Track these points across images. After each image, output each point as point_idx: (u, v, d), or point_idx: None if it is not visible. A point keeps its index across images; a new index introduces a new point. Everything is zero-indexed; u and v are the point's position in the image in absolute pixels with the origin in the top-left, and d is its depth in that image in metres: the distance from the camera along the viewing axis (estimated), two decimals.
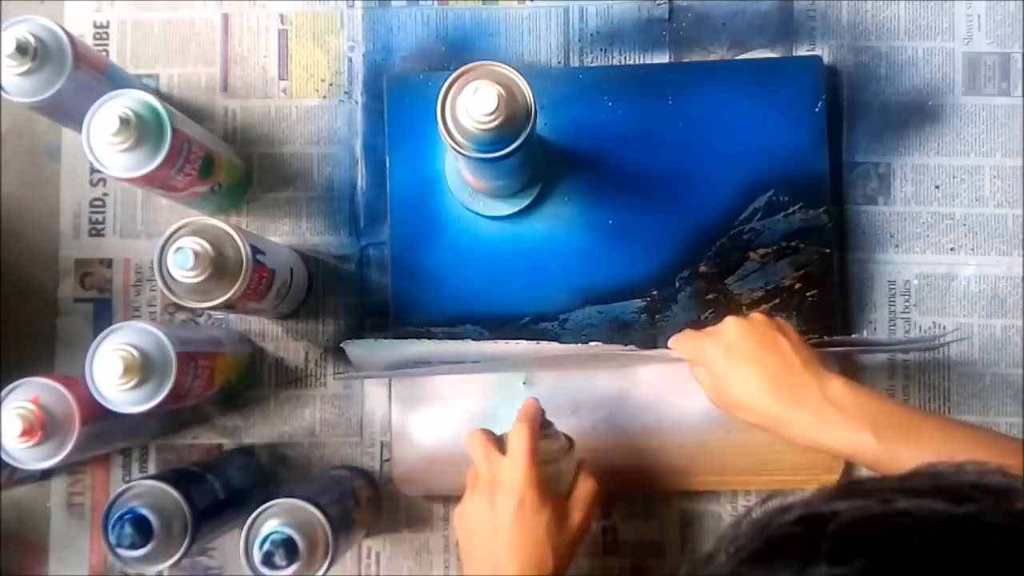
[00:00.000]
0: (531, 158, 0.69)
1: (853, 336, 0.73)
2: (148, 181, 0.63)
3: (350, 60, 0.78)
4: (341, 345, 0.71)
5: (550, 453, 0.62)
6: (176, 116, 0.62)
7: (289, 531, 0.58)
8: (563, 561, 0.58)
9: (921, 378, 0.75)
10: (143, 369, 0.60)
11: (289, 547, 0.58)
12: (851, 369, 0.74)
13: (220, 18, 0.78)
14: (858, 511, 0.30)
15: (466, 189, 0.72)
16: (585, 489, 0.62)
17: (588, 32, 0.77)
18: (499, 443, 0.61)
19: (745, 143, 0.73)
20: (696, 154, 0.73)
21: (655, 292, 0.73)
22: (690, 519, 0.75)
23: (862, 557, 0.28)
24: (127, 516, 0.59)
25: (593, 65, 0.77)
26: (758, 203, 0.73)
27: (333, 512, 0.61)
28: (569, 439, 0.64)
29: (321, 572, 0.60)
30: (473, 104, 0.56)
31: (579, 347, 0.69)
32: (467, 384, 0.74)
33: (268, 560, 0.58)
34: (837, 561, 0.28)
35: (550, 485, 0.60)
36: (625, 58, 0.77)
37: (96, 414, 0.62)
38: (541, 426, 0.61)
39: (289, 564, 0.58)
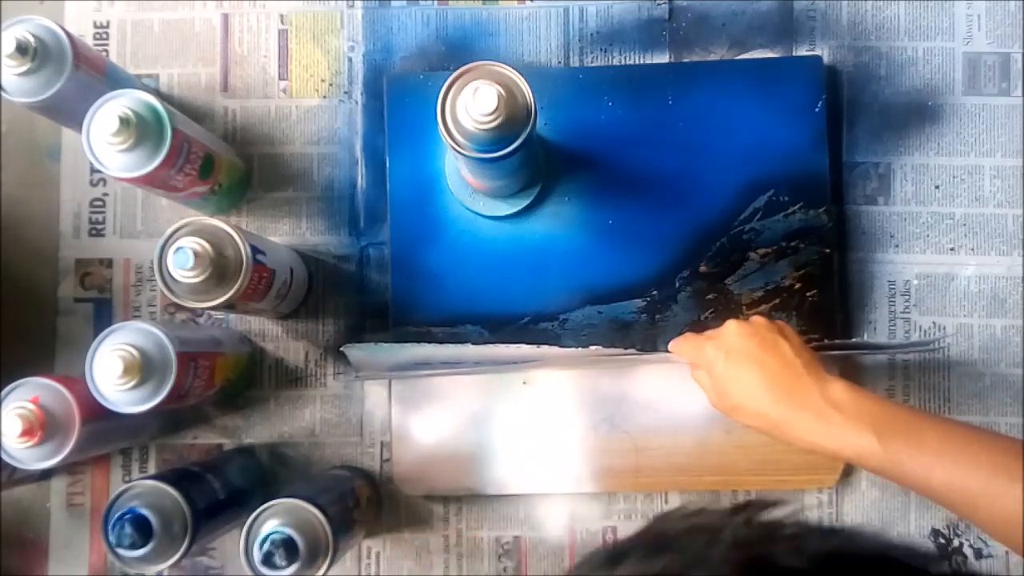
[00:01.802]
0: (531, 158, 0.69)
1: (854, 339, 0.73)
2: (148, 181, 0.63)
3: (350, 60, 0.78)
4: (341, 349, 0.71)
5: None
6: (176, 116, 0.62)
7: (289, 531, 0.58)
8: None
9: (921, 378, 0.75)
10: (143, 369, 0.60)
11: (289, 547, 0.58)
12: (851, 370, 0.74)
13: (220, 18, 0.78)
14: None
15: (466, 189, 0.72)
16: None
17: (588, 32, 0.77)
18: None
19: (745, 143, 0.73)
20: (696, 154, 0.73)
21: (655, 292, 0.73)
22: None
23: None
24: (127, 516, 0.59)
25: (593, 65, 0.77)
26: (758, 203, 0.73)
27: (333, 512, 0.61)
28: None
29: (321, 572, 0.60)
30: (473, 104, 0.56)
31: (579, 351, 0.69)
32: (467, 384, 0.74)
33: (268, 560, 0.58)
34: None
35: None
36: (625, 58, 0.77)
37: (96, 414, 0.62)
38: None
39: (289, 564, 0.58)
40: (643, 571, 0.31)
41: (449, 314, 0.73)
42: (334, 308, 0.77)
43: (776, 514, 0.32)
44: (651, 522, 0.34)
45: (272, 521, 0.60)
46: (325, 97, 0.78)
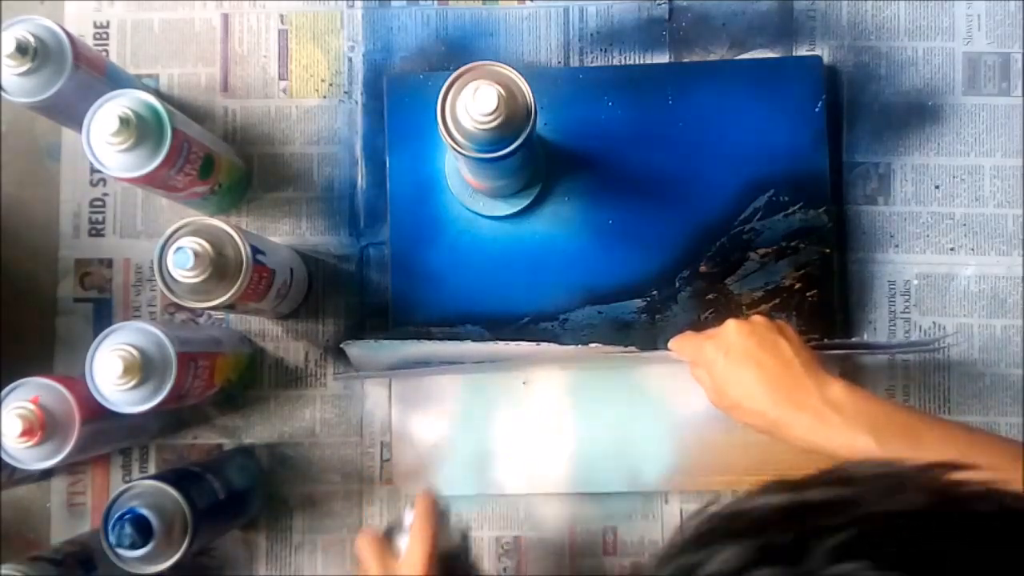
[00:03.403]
0: (531, 158, 0.69)
1: (854, 339, 0.73)
2: (148, 181, 0.63)
3: (350, 60, 0.78)
4: (341, 346, 0.71)
5: (447, 548, 0.60)
6: (176, 116, 0.62)
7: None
8: None
9: (921, 378, 0.75)
10: (143, 369, 0.60)
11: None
12: (851, 369, 0.74)
13: (220, 18, 0.78)
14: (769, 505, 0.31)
15: (466, 189, 0.72)
16: None
17: (588, 32, 0.77)
18: (389, 544, 0.59)
19: (745, 143, 0.73)
20: (696, 154, 0.73)
21: (655, 292, 0.73)
22: None
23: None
24: (127, 516, 0.59)
25: (593, 65, 0.77)
26: (758, 203, 0.73)
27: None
28: (464, 533, 0.63)
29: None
30: (473, 104, 0.56)
31: (579, 348, 0.69)
32: (467, 384, 0.74)
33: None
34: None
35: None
36: (625, 58, 0.77)
37: (96, 414, 0.62)
38: (439, 517, 0.59)
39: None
40: (826, 496, 0.30)
41: (449, 314, 0.73)
42: (334, 308, 0.77)
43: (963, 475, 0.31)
44: (834, 467, 0.34)
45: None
46: (325, 97, 0.78)
